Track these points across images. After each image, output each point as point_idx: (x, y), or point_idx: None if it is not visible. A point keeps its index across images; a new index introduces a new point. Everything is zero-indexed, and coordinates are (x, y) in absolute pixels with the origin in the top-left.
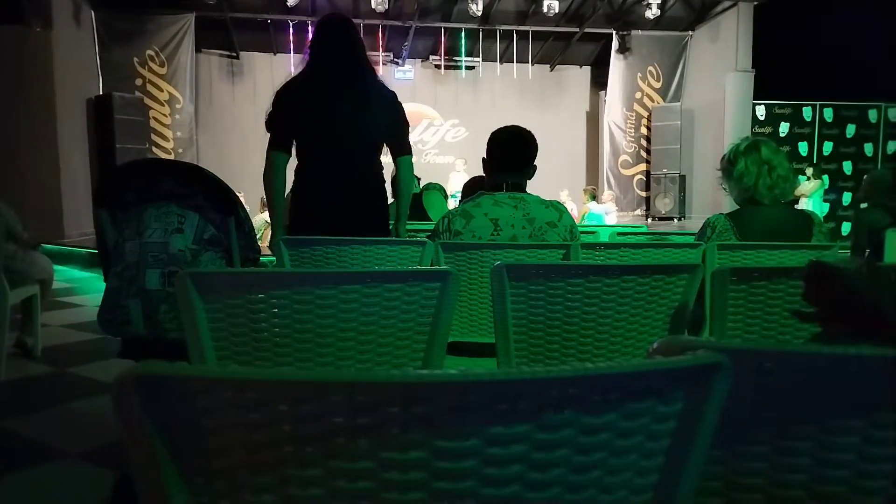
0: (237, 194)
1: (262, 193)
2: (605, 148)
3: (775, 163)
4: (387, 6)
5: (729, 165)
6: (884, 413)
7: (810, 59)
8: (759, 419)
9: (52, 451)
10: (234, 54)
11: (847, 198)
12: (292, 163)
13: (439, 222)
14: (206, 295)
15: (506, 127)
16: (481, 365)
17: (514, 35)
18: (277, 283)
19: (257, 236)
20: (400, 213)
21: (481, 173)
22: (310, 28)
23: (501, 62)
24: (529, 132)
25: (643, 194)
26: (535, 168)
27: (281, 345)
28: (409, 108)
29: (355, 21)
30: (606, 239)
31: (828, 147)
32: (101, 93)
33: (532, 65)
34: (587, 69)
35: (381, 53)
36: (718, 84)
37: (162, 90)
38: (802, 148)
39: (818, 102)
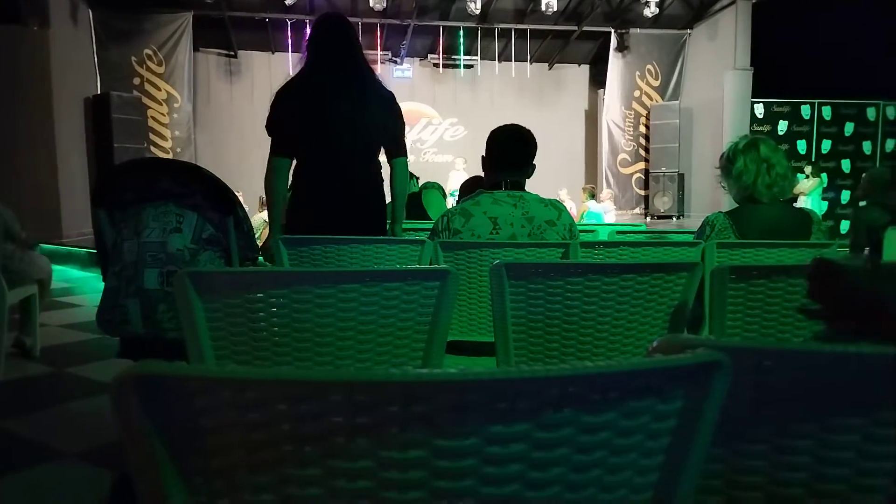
0: (235, 193)
1: (260, 193)
2: (604, 146)
3: (774, 161)
4: (385, 4)
5: (728, 164)
6: (884, 411)
7: (809, 57)
8: (759, 417)
9: (50, 451)
10: (232, 53)
11: (846, 196)
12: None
13: (438, 221)
14: (204, 294)
15: (505, 126)
16: (480, 364)
17: (513, 33)
18: (276, 282)
19: (255, 236)
20: (396, 215)
21: (481, 172)
22: (308, 27)
23: (500, 61)
24: (529, 131)
25: (642, 193)
26: (534, 167)
27: (280, 344)
28: (408, 107)
29: (353, 19)
30: (605, 237)
31: (826, 145)
32: (98, 92)
33: (530, 63)
34: (585, 67)
35: (379, 52)
36: (717, 82)
37: (160, 89)
38: (801, 146)
39: (817, 100)
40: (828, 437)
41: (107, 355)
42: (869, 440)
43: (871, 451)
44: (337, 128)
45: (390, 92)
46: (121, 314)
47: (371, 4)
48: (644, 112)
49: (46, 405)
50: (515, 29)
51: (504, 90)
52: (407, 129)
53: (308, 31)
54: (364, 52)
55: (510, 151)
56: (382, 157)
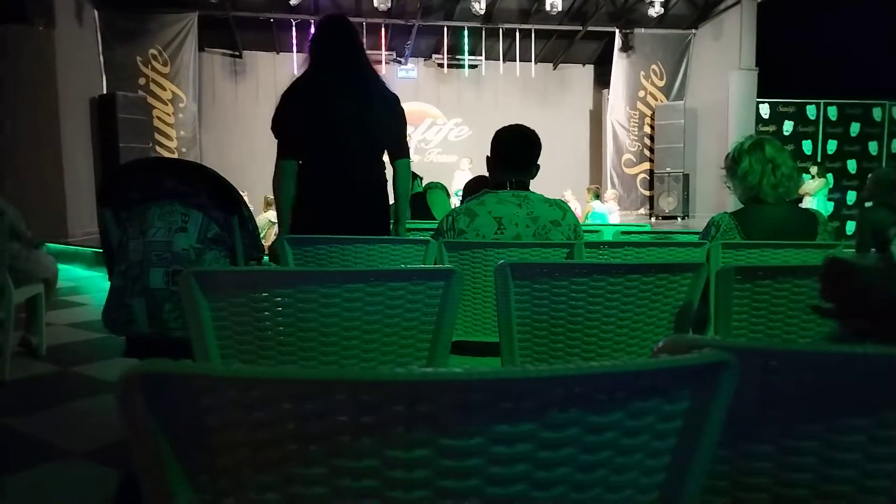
0: (240, 193)
1: (265, 192)
2: (609, 146)
3: (779, 161)
4: (389, 5)
5: (733, 164)
6: (890, 412)
7: (814, 57)
8: (765, 418)
9: (56, 450)
10: (237, 53)
11: (851, 196)
12: None
13: (443, 221)
14: (210, 294)
15: (510, 126)
16: (485, 364)
17: (517, 33)
18: (281, 281)
19: (261, 235)
20: (399, 216)
21: (486, 173)
22: (312, 27)
23: (504, 61)
24: (533, 131)
25: (647, 193)
26: (538, 167)
27: (285, 343)
28: (412, 107)
29: (358, 20)
30: (610, 238)
31: (832, 145)
32: (104, 92)
33: (535, 63)
34: (590, 67)
35: (383, 52)
36: (722, 82)
37: (165, 89)
38: (806, 146)
39: (822, 101)
40: (834, 438)
41: (113, 354)
42: (875, 441)
43: (877, 452)
44: (341, 128)
45: (395, 95)
46: (126, 313)
47: (375, 4)
48: (649, 112)
49: (52, 404)
50: (520, 29)
51: (508, 90)
52: (411, 129)
53: (312, 31)
54: (368, 52)
55: (515, 152)
56: (386, 158)
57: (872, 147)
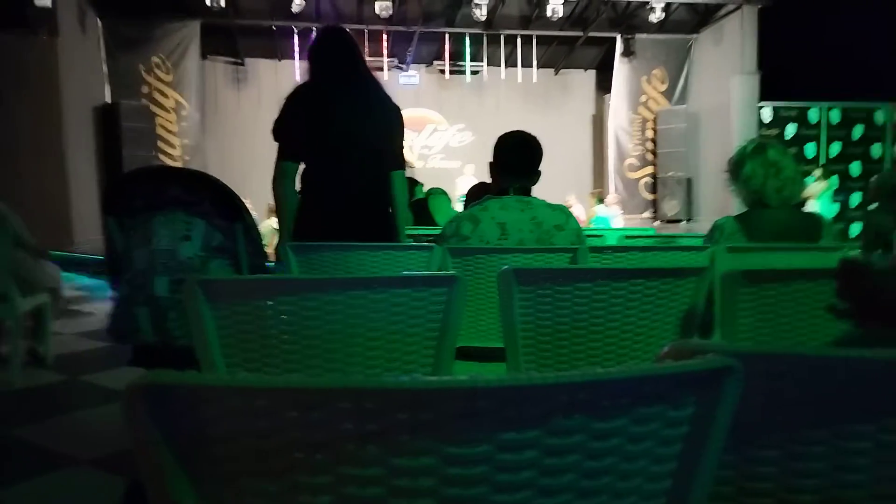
0: (243, 200)
1: (269, 200)
2: (611, 151)
3: (783, 164)
4: (391, 12)
5: (736, 168)
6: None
7: (816, 60)
8: (771, 423)
9: (63, 458)
10: (240, 61)
11: (855, 199)
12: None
13: (447, 226)
14: (214, 302)
15: (511, 132)
16: (490, 370)
17: (519, 39)
18: (285, 289)
19: (265, 242)
20: (398, 226)
21: (488, 178)
22: (314, 34)
23: (506, 66)
24: (534, 137)
25: (650, 197)
26: (539, 173)
27: (289, 351)
28: (415, 113)
29: (359, 27)
30: (614, 242)
31: (835, 149)
32: (107, 100)
33: (536, 69)
34: (592, 73)
35: (385, 59)
36: (723, 87)
37: (168, 97)
38: (809, 149)
39: (825, 104)
40: (841, 443)
41: (119, 363)
42: (881, 447)
43: (884, 457)
44: (343, 134)
45: (397, 106)
46: (131, 322)
47: (377, 11)
48: (651, 117)
49: (59, 413)
50: (521, 35)
51: (510, 96)
52: (414, 135)
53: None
54: (370, 59)
55: (516, 158)
56: None
57: (875, 150)
